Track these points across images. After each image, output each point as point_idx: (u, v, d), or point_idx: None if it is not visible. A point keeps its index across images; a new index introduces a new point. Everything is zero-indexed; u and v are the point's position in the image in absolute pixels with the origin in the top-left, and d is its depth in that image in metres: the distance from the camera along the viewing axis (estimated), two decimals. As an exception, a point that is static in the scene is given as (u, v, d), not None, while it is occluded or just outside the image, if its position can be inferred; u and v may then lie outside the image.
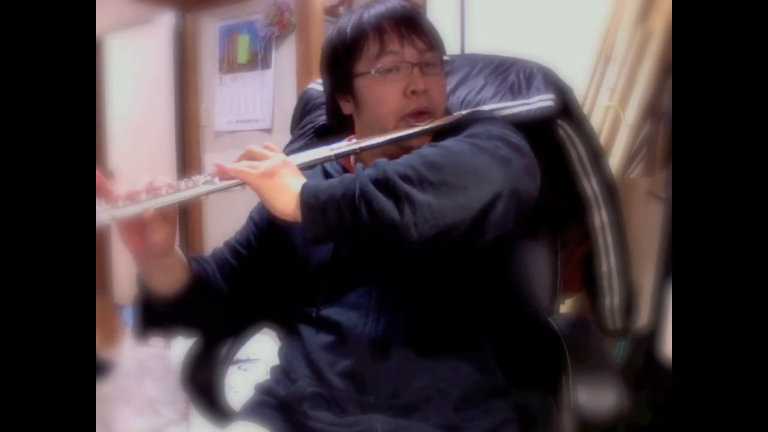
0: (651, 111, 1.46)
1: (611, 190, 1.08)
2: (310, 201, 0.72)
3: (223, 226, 1.07)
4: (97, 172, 0.72)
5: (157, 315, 0.90)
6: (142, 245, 0.80)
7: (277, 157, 0.78)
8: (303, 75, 2.41)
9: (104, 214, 0.73)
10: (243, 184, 0.77)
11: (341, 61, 0.89)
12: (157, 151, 3.05)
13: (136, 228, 0.79)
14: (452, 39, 1.93)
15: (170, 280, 0.87)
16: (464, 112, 0.96)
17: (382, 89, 0.86)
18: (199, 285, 0.89)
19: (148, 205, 0.75)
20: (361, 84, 0.88)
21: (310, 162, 0.84)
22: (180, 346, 1.09)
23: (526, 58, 1.09)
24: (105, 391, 1.49)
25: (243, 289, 0.95)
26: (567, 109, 1.03)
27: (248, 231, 0.98)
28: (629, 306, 1.13)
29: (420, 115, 0.87)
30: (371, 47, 0.86)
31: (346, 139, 0.94)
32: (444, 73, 0.91)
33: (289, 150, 1.15)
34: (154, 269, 0.85)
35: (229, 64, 2.72)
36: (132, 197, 0.76)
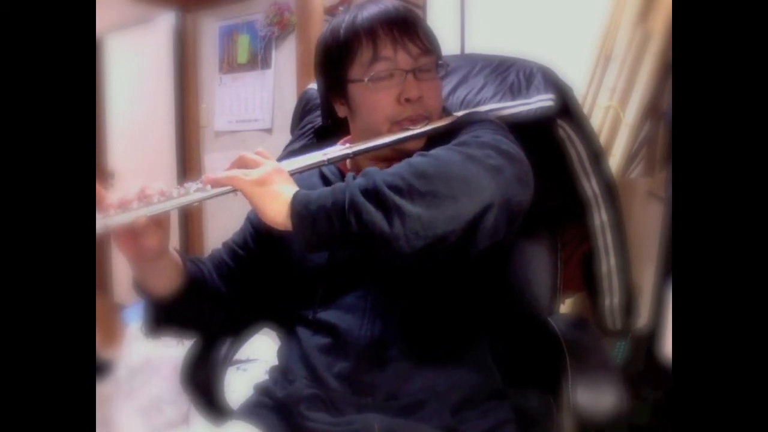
0: (651, 111, 1.46)
1: (611, 190, 1.08)
2: (301, 211, 0.72)
3: (223, 228, 1.07)
4: None
5: (166, 314, 0.90)
6: (135, 250, 0.80)
7: (269, 164, 0.77)
8: (303, 75, 2.41)
9: (97, 223, 0.73)
10: (235, 190, 0.76)
11: (334, 64, 0.88)
12: (157, 151, 3.05)
13: (129, 234, 0.79)
14: (452, 39, 1.93)
15: (165, 281, 0.87)
16: (461, 113, 0.96)
17: (376, 97, 0.85)
18: (193, 285, 0.89)
19: (139, 214, 0.76)
20: (355, 90, 0.87)
21: (303, 168, 0.83)
22: (184, 346, 1.09)
23: (527, 58, 1.09)
24: (106, 390, 1.49)
25: (240, 290, 0.95)
26: (567, 108, 1.03)
27: (245, 232, 0.98)
28: (629, 306, 1.13)
29: (415, 120, 0.86)
30: (364, 53, 0.85)
31: (342, 141, 0.94)
32: (440, 77, 0.90)
33: (289, 150, 1.15)
34: (149, 272, 0.86)
35: (229, 64, 2.71)
36: (124, 206, 0.76)
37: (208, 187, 0.77)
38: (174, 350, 1.53)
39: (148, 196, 0.76)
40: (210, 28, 2.78)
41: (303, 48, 2.43)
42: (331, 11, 2.53)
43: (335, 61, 0.88)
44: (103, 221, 0.74)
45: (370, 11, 0.86)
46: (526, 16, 1.81)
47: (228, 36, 2.71)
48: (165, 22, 2.92)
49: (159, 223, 0.79)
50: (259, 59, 2.60)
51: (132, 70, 3.25)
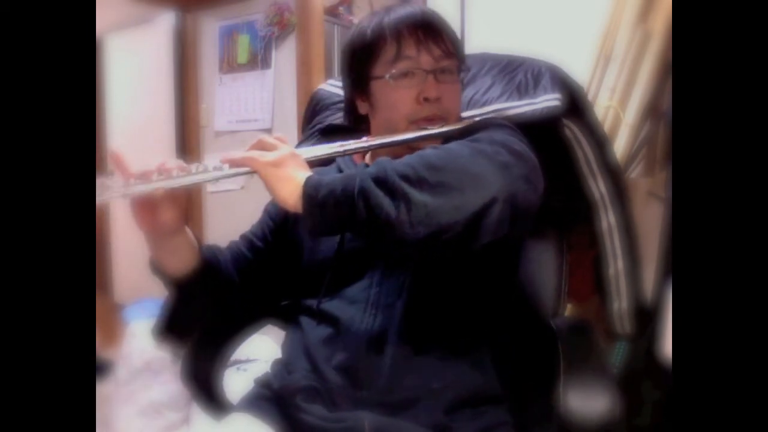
0: (651, 111, 1.45)
1: (620, 192, 1.07)
2: (311, 193, 0.74)
3: (223, 228, 1.08)
4: (114, 153, 0.78)
5: (178, 320, 0.92)
6: (151, 223, 0.83)
7: (286, 149, 0.80)
8: (303, 75, 2.41)
9: (116, 191, 0.77)
10: (251, 172, 0.78)
11: (359, 62, 0.91)
12: (157, 151, 3.04)
13: (147, 206, 0.81)
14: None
15: (179, 260, 0.89)
16: (474, 112, 0.97)
17: (396, 94, 0.88)
18: (208, 270, 0.91)
19: (159, 185, 0.78)
20: (377, 87, 0.90)
21: (318, 156, 0.85)
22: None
23: (536, 57, 1.08)
24: (106, 390, 1.49)
25: (254, 282, 0.97)
26: (575, 108, 1.03)
27: (263, 224, 1.00)
28: (638, 310, 1.12)
29: (432, 120, 0.88)
30: (388, 51, 0.88)
31: (363, 139, 0.95)
32: (460, 80, 0.92)
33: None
34: (164, 249, 0.88)
35: (229, 64, 2.71)
36: (144, 177, 0.78)
37: (226, 166, 0.79)
38: (174, 355, 1.53)
39: (168, 169, 0.79)
40: (210, 28, 2.78)
41: (303, 48, 2.42)
42: (331, 11, 2.53)
43: (360, 58, 0.91)
44: (122, 190, 0.77)
45: (397, 13, 0.89)
46: (526, 16, 1.81)
47: (228, 36, 2.71)
48: (165, 22, 2.92)
49: (176, 198, 0.82)
50: (259, 59, 2.60)
51: (132, 70, 3.25)
